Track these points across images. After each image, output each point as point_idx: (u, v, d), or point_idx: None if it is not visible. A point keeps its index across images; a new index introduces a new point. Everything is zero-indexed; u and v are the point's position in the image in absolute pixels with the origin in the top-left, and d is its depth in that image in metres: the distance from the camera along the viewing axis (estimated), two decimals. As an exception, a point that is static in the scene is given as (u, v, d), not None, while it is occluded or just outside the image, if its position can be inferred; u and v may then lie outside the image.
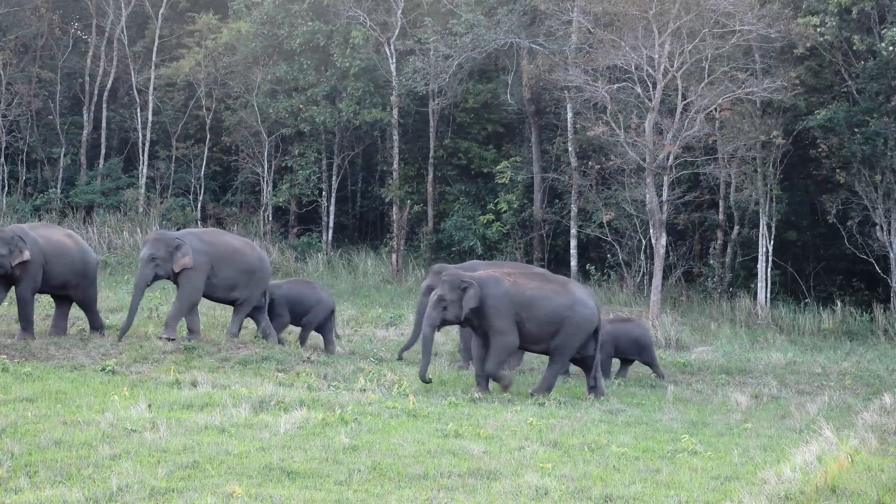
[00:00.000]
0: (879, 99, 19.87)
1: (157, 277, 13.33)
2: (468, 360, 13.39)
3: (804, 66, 20.43)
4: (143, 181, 24.95)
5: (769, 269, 20.78)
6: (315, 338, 14.58)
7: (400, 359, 13.62)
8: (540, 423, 9.95)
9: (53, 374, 11.14)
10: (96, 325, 13.68)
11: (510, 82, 23.63)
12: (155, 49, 25.36)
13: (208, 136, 25.52)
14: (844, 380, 14.53)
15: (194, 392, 10.37)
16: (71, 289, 13.32)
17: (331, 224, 24.77)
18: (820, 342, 18.47)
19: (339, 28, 23.95)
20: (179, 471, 7.73)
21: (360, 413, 9.83)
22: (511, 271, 12.25)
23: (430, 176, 24.21)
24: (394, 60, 23.68)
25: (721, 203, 21.82)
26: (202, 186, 25.43)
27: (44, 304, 15.21)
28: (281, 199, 24.64)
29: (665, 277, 20.33)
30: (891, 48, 18.63)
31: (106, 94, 25.60)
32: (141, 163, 25.16)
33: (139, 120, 25.32)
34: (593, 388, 12.09)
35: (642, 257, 21.83)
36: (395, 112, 23.88)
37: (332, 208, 24.89)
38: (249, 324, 14.45)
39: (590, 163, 22.91)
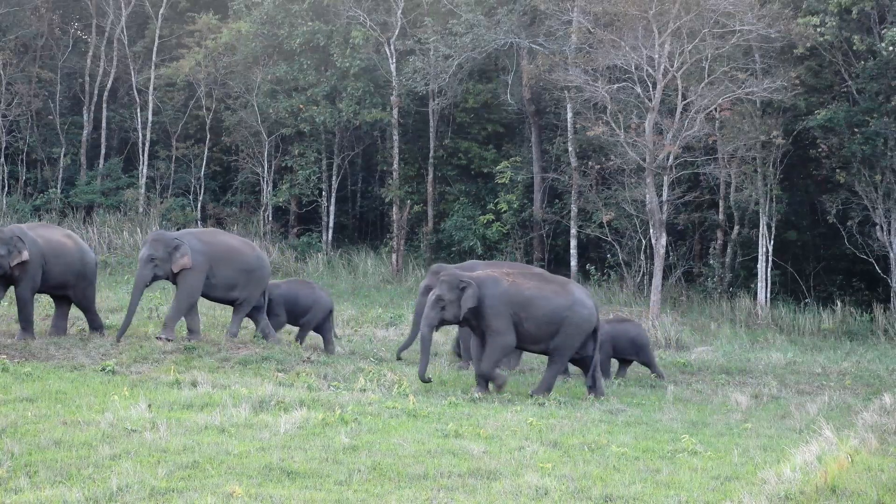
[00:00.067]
0: (879, 99, 19.87)
1: (156, 278, 13.35)
2: (468, 359, 13.38)
3: (804, 66, 20.43)
4: (143, 181, 24.94)
5: (769, 269, 20.77)
6: (315, 338, 14.58)
7: (399, 359, 13.60)
8: (540, 423, 9.94)
9: (53, 374, 11.14)
10: (95, 326, 13.69)
11: (510, 82, 23.62)
12: (155, 49, 25.35)
13: (208, 136, 25.52)
14: (844, 380, 14.52)
15: (194, 392, 10.36)
16: (69, 289, 13.33)
17: (331, 224, 24.77)
18: (820, 342, 18.47)
19: (339, 28, 23.95)
20: (179, 471, 7.73)
21: (360, 413, 9.83)
22: (510, 271, 12.23)
23: (430, 176, 24.20)
24: (394, 60, 23.68)
25: (721, 203, 21.82)
26: (202, 186, 25.42)
27: (44, 304, 15.22)
28: (281, 199, 24.64)
29: (665, 277, 20.33)
30: (891, 48, 18.62)
31: (106, 94, 25.60)
32: (141, 163, 25.16)
33: (139, 120, 25.32)
34: (592, 388, 12.09)
35: (642, 257, 21.82)
36: (395, 112, 23.88)
37: (332, 208, 24.89)
38: (249, 324, 14.45)
39: (590, 163, 22.90)
